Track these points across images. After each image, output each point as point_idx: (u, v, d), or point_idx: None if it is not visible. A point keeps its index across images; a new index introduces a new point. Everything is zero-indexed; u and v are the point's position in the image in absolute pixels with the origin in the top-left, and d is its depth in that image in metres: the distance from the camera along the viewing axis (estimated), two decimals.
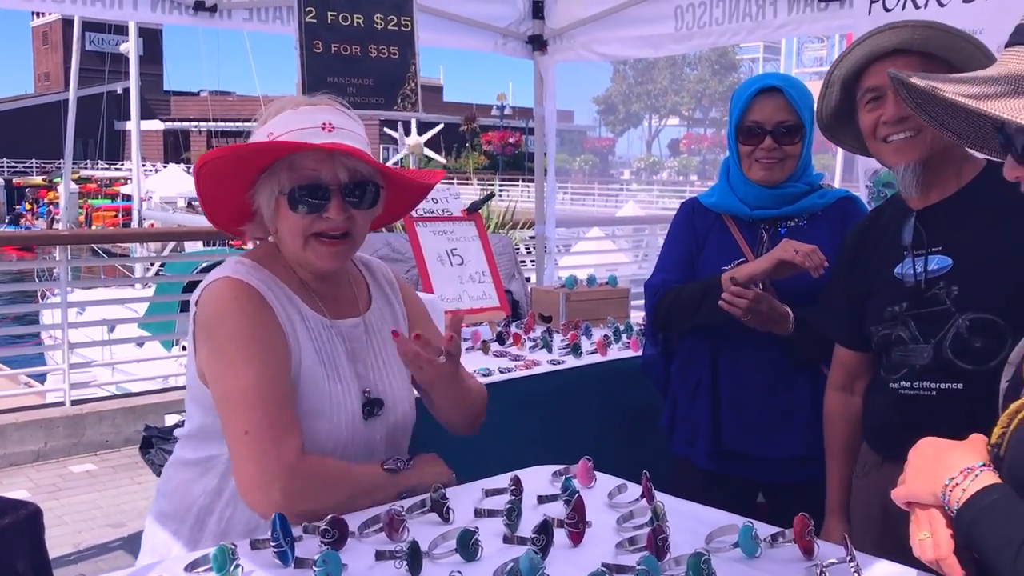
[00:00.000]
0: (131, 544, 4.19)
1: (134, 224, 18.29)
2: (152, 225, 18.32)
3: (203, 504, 1.78)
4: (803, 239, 2.47)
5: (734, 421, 2.53)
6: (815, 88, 2.64)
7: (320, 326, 1.79)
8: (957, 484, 1.23)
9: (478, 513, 1.69)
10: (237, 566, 1.41)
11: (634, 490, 1.84)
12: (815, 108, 2.17)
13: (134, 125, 18.52)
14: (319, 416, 1.74)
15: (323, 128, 1.71)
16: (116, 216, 32.59)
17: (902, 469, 1.90)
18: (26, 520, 1.09)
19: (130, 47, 17.85)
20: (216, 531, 1.76)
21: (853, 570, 1.43)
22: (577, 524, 1.58)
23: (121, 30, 31.39)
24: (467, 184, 30.96)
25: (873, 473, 2.03)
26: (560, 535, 1.56)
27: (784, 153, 2.46)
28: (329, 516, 1.53)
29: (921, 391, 1.91)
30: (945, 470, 1.25)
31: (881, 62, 1.91)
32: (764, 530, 1.57)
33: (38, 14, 58.10)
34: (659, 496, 1.77)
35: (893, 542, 1.87)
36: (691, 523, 1.67)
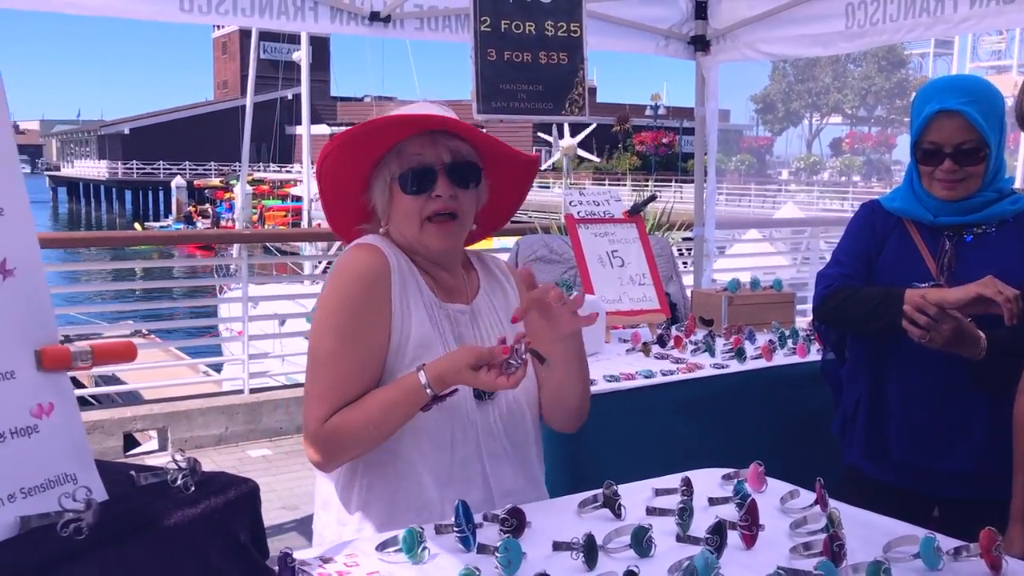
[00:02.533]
0: (303, 526, 4.44)
1: (304, 224, 19.21)
2: (319, 225, 19.20)
3: (344, 482, 1.86)
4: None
5: (902, 433, 2.44)
6: (996, 82, 2.48)
7: (434, 304, 1.88)
8: None
9: (649, 511, 1.73)
10: (424, 548, 1.51)
11: (806, 496, 1.83)
12: (1016, 102, 2.04)
13: (304, 130, 19.47)
14: None
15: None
16: (286, 216, 34.39)
17: None
18: (248, 495, 1.20)
19: (302, 56, 18.78)
20: (361, 502, 1.84)
21: None
22: (750, 527, 1.59)
23: (293, 39, 33.07)
24: (620, 184, 30.85)
25: None
26: (733, 537, 1.57)
27: (966, 173, 2.32)
28: (509, 506, 1.60)
29: None
30: None
31: None
32: (946, 543, 1.54)
33: (218, 25, 61.83)
34: (832, 503, 1.75)
35: None
36: (866, 531, 1.65)
